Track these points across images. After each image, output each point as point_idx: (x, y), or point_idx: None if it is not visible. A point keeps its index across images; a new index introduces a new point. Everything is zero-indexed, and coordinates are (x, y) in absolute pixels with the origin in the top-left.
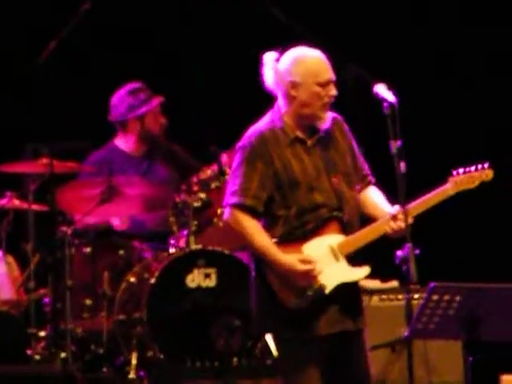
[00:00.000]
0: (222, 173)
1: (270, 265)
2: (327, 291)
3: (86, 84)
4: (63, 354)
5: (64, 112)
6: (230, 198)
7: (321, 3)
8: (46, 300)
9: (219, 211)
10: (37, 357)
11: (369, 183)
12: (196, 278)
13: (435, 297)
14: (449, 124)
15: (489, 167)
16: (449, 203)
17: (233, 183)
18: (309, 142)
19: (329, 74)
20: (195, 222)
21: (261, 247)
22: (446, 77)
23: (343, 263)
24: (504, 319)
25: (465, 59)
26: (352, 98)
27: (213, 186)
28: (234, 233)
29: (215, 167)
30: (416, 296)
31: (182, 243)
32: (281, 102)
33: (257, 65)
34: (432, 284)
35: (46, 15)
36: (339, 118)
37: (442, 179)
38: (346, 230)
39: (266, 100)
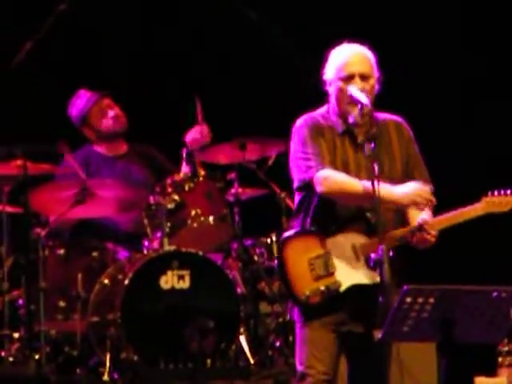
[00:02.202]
0: (195, 175)
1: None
2: (342, 289)
3: (61, 85)
4: (37, 356)
5: (41, 114)
6: (306, 174)
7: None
8: (20, 302)
9: (193, 213)
10: (10, 358)
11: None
12: (170, 280)
13: (409, 299)
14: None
15: None
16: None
17: (304, 160)
18: (359, 139)
19: (351, 68)
20: (169, 224)
21: (365, 192)
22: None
23: (362, 264)
24: (477, 321)
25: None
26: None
27: (186, 187)
28: (206, 234)
29: (189, 169)
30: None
31: (155, 245)
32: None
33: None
34: (406, 286)
35: (22, 16)
36: (403, 122)
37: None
38: (373, 231)
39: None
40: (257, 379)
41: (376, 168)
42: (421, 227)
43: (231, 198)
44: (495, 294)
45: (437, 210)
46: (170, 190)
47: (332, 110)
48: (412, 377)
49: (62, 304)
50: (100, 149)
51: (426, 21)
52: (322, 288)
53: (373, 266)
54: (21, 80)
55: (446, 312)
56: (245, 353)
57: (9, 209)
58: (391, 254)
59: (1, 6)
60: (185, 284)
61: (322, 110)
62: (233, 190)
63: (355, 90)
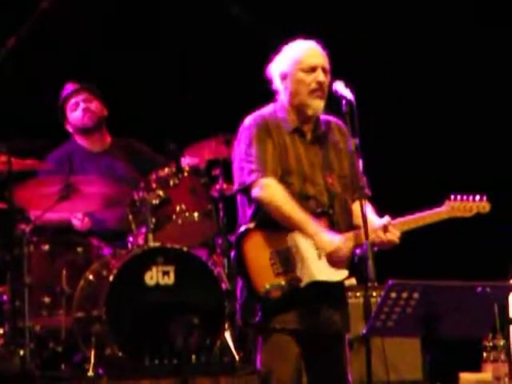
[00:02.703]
0: (180, 170)
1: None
2: (302, 285)
3: (45, 80)
4: (21, 352)
5: (23, 109)
6: (247, 178)
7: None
8: (5, 297)
9: (178, 208)
10: None
11: (363, 195)
12: (154, 276)
13: (393, 294)
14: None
15: (486, 200)
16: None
17: (247, 162)
18: (308, 137)
19: (313, 59)
20: (153, 220)
21: (298, 221)
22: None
23: (324, 262)
24: (462, 316)
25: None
26: None
27: (171, 183)
28: (191, 230)
29: (173, 165)
30: (374, 294)
31: (140, 241)
32: (281, 96)
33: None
34: (390, 281)
35: (4, 13)
36: (343, 125)
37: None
38: (334, 228)
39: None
40: (242, 375)
41: (361, 163)
42: (385, 228)
43: (216, 194)
44: (479, 289)
45: (402, 211)
46: (154, 185)
47: (280, 107)
48: (397, 372)
49: (46, 300)
50: (83, 143)
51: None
52: (283, 283)
53: (357, 261)
54: (4, 76)
55: (431, 307)
56: (230, 349)
57: None
58: (376, 249)
59: None
60: (169, 280)
61: (269, 108)
62: (217, 186)
63: (340, 86)
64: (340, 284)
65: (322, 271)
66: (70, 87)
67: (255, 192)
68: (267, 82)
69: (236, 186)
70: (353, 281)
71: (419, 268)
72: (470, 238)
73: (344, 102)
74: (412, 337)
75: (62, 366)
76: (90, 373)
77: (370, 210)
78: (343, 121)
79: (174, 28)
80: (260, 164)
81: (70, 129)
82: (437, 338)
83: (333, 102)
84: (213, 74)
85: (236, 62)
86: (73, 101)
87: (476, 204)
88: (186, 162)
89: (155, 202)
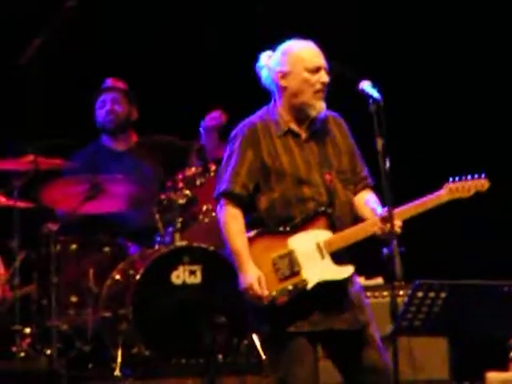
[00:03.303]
0: (206, 169)
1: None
2: (309, 287)
3: (73, 82)
4: (48, 351)
5: (51, 109)
6: (220, 185)
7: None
8: (32, 297)
9: (204, 208)
10: (22, 354)
11: (365, 186)
12: (181, 275)
13: (420, 294)
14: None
15: (485, 177)
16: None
17: (224, 171)
18: (303, 136)
19: (318, 60)
20: (180, 219)
21: (235, 249)
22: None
23: (328, 261)
24: (489, 316)
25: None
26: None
27: (198, 182)
28: (217, 229)
29: (200, 164)
30: (401, 293)
31: (167, 240)
32: (276, 96)
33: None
34: (417, 281)
35: (30, 12)
36: (339, 117)
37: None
38: (335, 226)
39: (254, 96)
40: (268, 374)
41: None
42: (385, 219)
43: None
44: (506, 288)
45: (400, 201)
46: (181, 185)
47: (273, 109)
48: (424, 371)
49: (73, 299)
50: (108, 142)
51: None
52: (290, 288)
53: (383, 260)
54: (29, 77)
55: (458, 307)
56: (256, 348)
57: (20, 204)
58: (403, 249)
59: (11, 2)
60: (196, 279)
61: (262, 111)
62: None
63: (367, 86)
64: (344, 281)
65: (327, 270)
66: (107, 82)
67: (218, 207)
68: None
69: (215, 192)
70: (379, 280)
71: (446, 267)
72: (497, 237)
73: (371, 101)
74: (439, 336)
75: (89, 366)
76: (117, 372)
77: (373, 200)
78: (369, 120)
79: (193, 27)
80: (232, 176)
81: (97, 124)
82: (463, 338)
83: (357, 101)
84: (236, 73)
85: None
86: (102, 98)
87: (474, 182)
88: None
89: (182, 201)
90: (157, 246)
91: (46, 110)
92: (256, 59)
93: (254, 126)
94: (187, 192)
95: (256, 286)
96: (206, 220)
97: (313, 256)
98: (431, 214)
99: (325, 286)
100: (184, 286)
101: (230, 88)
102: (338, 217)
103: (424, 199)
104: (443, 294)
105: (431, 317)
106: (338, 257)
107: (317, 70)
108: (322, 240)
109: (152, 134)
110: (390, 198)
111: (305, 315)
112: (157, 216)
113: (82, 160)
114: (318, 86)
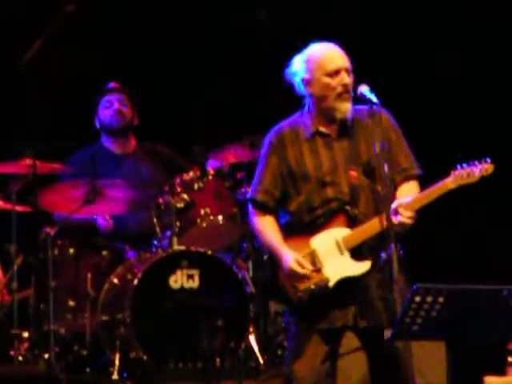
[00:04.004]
0: (204, 174)
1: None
2: (331, 284)
3: (71, 84)
4: (46, 355)
5: (52, 111)
6: (249, 192)
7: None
8: (30, 301)
9: (202, 212)
10: (20, 358)
11: (407, 178)
12: (179, 279)
13: (418, 298)
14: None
15: (490, 162)
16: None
17: (253, 178)
18: (333, 135)
19: (336, 62)
20: (178, 223)
21: (267, 245)
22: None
23: (347, 257)
24: (487, 320)
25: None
26: None
27: (196, 186)
28: (215, 233)
29: (198, 168)
30: None
31: (165, 244)
32: (305, 100)
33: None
34: (415, 285)
35: (30, 13)
36: (381, 110)
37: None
38: (355, 223)
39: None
40: (266, 378)
41: (386, 167)
42: (395, 211)
43: (240, 197)
44: (505, 292)
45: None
46: (179, 189)
47: (304, 114)
48: (422, 376)
49: (71, 303)
50: (108, 144)
51: None
52: (313, 287)
53: (382, 264)
54: (28, 79)
55: (456, 311)
56: (254, 352)
57: (18, 208)
58: (401, 252)
59: (12, 5)
60: (194, 283)
61: (294, 116)
62: (242, 190)
63: (366, 90)
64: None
65: (346, 267)
66: (111, 84)
67: (250, 214)
68: (290, 85)
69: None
70: None
71: (445, 271)
72: (496, 242)
73: (370, 105)
74: (437, 341)
75: (87, 370)
76: (115, 376)
77: (405, 193)
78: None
79: (200, 30)
80: (256, 183)
81: (97, 124)
82: (461, 342)
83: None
84: (238, 76)
85: (262, 65)
86: (108, 98)
87: (479, 167)
88: (211, 165)
89: (180, 205)
90: (154, 250)
91: (46, 111)
92: (256, 61)
93: (282, 131)
94: (185, 196)
95: (295, 267)
96: (204, 224)
97: (333, 253)
98: (431, 215)
99: (345, 282)
100: (182, 290)
101: (231, 89)
102: (363, 213)
103: (431, 188)
104: (441, 299)
105: (429, 321)
106: (358, 252)
107: (336, 72)
108: (341, 237)
109: (154, 141)
110: (390, 199)
111: (323, 312)
112: (155, 220)
113: (79, 162)
114: (340, 89)
